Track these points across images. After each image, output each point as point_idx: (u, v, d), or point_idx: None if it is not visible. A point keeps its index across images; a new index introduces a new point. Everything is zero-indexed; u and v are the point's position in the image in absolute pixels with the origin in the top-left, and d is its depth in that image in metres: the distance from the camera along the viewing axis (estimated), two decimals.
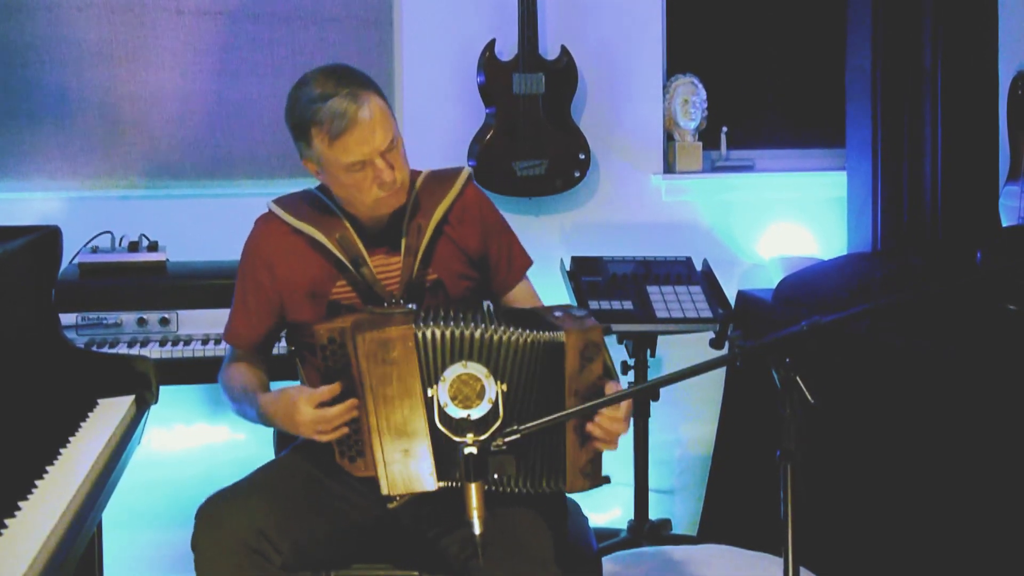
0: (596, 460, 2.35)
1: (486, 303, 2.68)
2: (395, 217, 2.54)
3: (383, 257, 2.54)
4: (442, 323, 2.29)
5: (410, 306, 2.42)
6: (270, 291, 2.57)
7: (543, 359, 2.30)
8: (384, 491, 2.30)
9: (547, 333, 2.30)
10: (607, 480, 2.38)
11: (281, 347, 2.84)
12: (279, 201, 2.62)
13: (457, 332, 2.27)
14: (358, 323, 2.29)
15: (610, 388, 2.33)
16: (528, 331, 2.30)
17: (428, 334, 2.27)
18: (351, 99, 2.36)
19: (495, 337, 2.28)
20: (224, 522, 2.32)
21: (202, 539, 2.32)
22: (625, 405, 2.32)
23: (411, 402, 2.27)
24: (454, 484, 2.28)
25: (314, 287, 2.54)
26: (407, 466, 2.28)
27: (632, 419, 3.63)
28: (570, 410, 2.20)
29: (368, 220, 2.53)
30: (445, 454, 2.26)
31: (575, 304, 3.55)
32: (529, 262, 2.75)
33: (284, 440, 2.74)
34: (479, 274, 2.64)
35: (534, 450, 2.30)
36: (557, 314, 2.40)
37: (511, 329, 2.30)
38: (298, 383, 2.62)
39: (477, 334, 2.28)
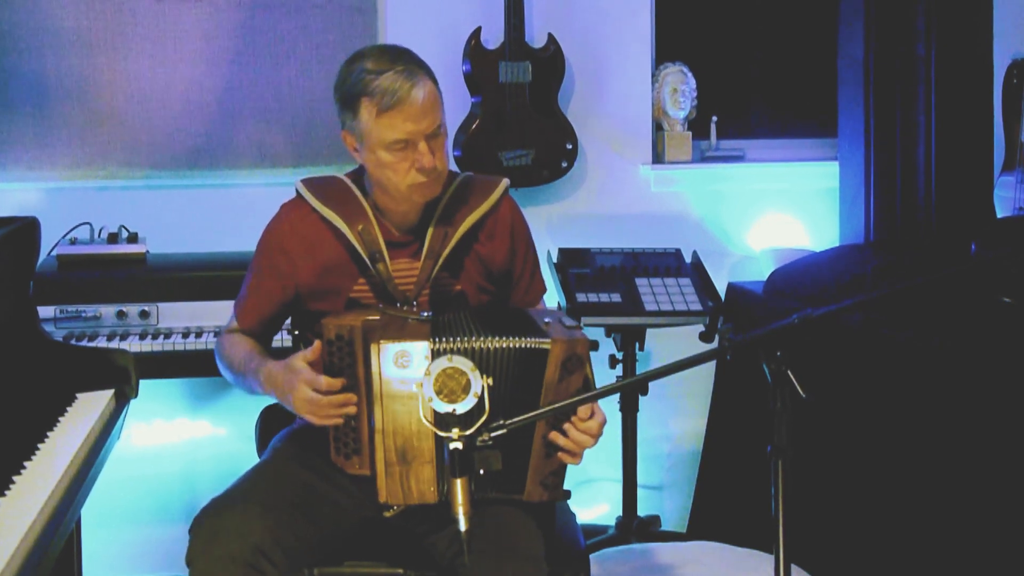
0: (559, 472, 2.34)
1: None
2: (423, 219, 2.53)
3: (408, 261, 2.52)
4: (458, 340, 2.26)
5: (424, 314, 2.38)
6: (286, 277, 2.55)
7: (525, 364, 2.28)
8: (382, 499, 2.29)
9: (533, 339, 2.28)
10: (567, 495, 2.38)
11: (280, 339, 2.81)
12: (308, 182, 2.58)
13: (467, 346, 2.25)
14: (369, 325, 2.27)
15: (586, 406, 2.30)
16: (514, 336, 2.28)
17: (442, 349, 2.24)
18: (406, 76, 2.36)
19: (480, 341, 2.26)
20: (220, 538, 2.28)
21: (198, 556, 2.29)
22: (599, 419, 2.30)
23: (418, 414, 2.23)
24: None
25: (332, 280, 2.52)
26: (408, 478, 2.27)
27: (620, 415, 3.67)
28: (546, 408, 2.15)
29: (397, 214, 2.51)
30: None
31: (564, 298, 3.53)
32: (544, 289, 2.75)
33: (266, 435, 2.72)
34: (498, 289, 2.63)
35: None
36: (547, 320, 2.37)
37: (498, 336, 2.28)
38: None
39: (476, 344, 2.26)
